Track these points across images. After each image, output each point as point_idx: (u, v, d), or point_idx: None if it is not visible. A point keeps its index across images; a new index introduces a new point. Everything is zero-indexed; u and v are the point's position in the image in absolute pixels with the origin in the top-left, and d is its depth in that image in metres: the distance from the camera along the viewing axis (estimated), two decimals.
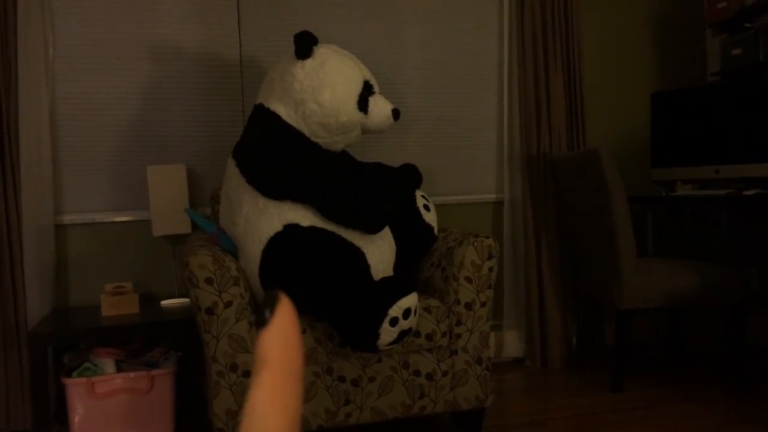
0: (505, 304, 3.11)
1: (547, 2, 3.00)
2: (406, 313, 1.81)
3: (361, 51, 2.94)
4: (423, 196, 2.36)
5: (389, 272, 2.13)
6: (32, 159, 2.45)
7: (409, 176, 2.32)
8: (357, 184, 2.00)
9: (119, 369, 2.29)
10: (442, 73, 3.06)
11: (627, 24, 3.33)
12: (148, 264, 2.69)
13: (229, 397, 1.89)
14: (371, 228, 1.98)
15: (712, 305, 2.92)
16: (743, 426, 2.23)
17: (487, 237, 2.13)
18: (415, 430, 2.32)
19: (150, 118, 2.69)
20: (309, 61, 2.04)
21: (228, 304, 1.87)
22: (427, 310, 2.05)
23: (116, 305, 2.35)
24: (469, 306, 2.10)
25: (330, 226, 1.98)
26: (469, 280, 2.09)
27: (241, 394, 1.91)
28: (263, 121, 2.08)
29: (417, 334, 2.02)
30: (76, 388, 2.19)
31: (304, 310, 1.96)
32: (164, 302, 2.54)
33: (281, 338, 0.31)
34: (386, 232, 2.15)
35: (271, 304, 0.31)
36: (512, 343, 3.12)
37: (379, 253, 2.06)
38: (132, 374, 2.23)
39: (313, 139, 2.08)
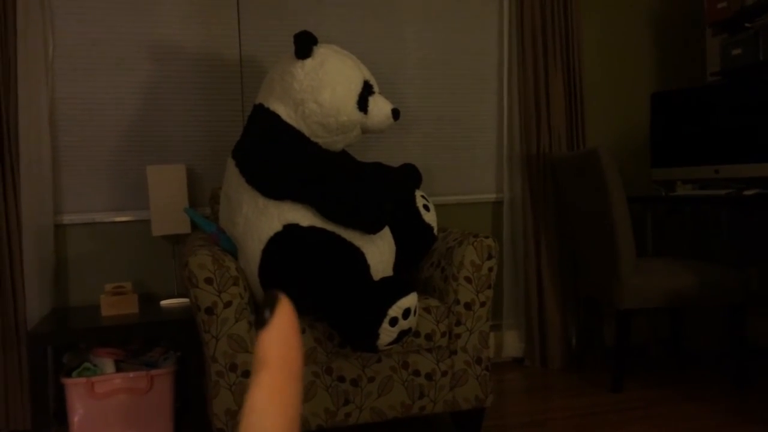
0: (505, 304, 3.11)
1: (546, 2, 3.00)
2: (406, 313, 1.81)
3: (361, 51, 2.94)
4: (423, 196, 2.36)
5: (389, 272, 2.13)
6: (32, 159, 2.45)
7: (409, 176, 2.32)
8: (357, 184, 2.00)
9: (119, 369, 2.29)
10: (441, 73, 3.06)
11: (627, 24, 3.33)
12: (148, 264, 2.69)
13: (228, 397, 1.89)
14: (371, 228, 1.98)
15: (712, 305, 2.92)
16: (743, 426, 2.23)
17: (487, 237, 2.13)
18: (415, 430, 2.32)
19: (150, 118, 2.69)
20: (309, 61, 2.04)
21: (227, 304, 1.87)
22: (427, 310, 2.05)
23: (116, 305, 2.35)
24: (468, 306, 2.10)
25: (330, 226, 1.98)
26: (468, 280, 2.09)
27: (240, 394, 1.90)
28: (263, 121, 2.08)
29: (416, 334, 2.02)
30: (75, 388, 2.19)
31: (303, 310, 1.96)
32: (164, 302, 2.54)
33: (281, 338, 0.31)
34: (386, 232, 2.15)
35: (271, 305, 0.31)
36: (512, 343, 3.12)
37: (379, 253, 2.06)
38: (131, 374, 2.23)
39: (312, 139, 2.08)
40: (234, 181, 2.03)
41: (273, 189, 1.95)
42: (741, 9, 2.95)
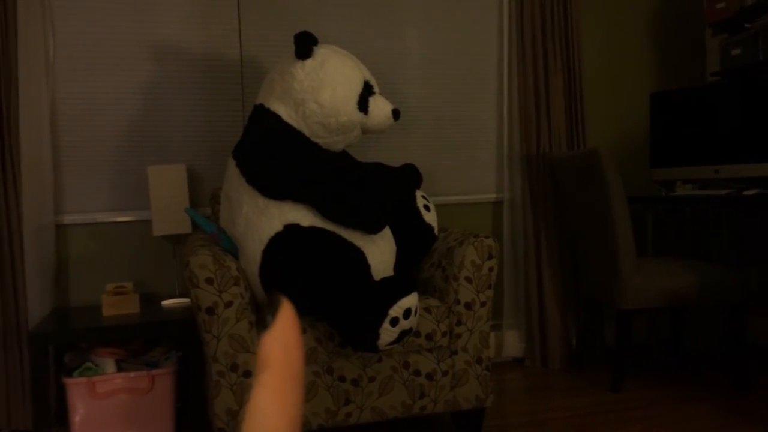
0: (505, 304, 3.11)
1: (546, 2, 3.01)
2: (407, 313, 1.82)
3: (361, 51, 2.94)
4: (423, 196, 2.36)
5: (389, 272, 2.13)
6: (33, 159, 2.46)
7: (410, 176, 2.32)
8: (357, 185, 2.00)
9: (120, 369, 2.30)
10: (442, 73, 3.06)
11: (627, 24, 3.33)
12: (149, 264, 2.69)
13: (229, 396, 1.89)
14: (371, 228, 1.98)
15: (712, 305, 2.92)
16: (743, 426, 2.24)
17: (487, 237, 2.14)
18: (416, 430, 2.32)
19: (150, 118, 2.69)
20: (309, 62, 2.04)
21: (228, 304, 1.87)
22: (428, 310, 2.05)
23: (117, 305, 2.35)
24: (469, 306, 2.10)
25: (330, 226, 1.98)
26: (469, 280, 2.10)
27: (241, 393, 1.91)
28: (263, 121, 2.08)
29: (417, 334, 2.02)
30: (76, 387, 2.20)
31: (304, 310, 1.96)
32: (165, 302, 2.54)
33: (282, 341, 0.31)
34: (386, 232, 2.15)
35: (273, 309, 0.32)
36: (512, 343, 3.12)
37: (380, 253, 2.06)
38: (133, 374, 2.24)
39: (313, 139, 2.08)
40: (234, 181, 2.04)
41: (273, 189, 1.95)
42: (740, 9, 2.96)
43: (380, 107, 2.13)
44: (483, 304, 2.12)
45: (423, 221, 2.29)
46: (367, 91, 2.11)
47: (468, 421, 2.20)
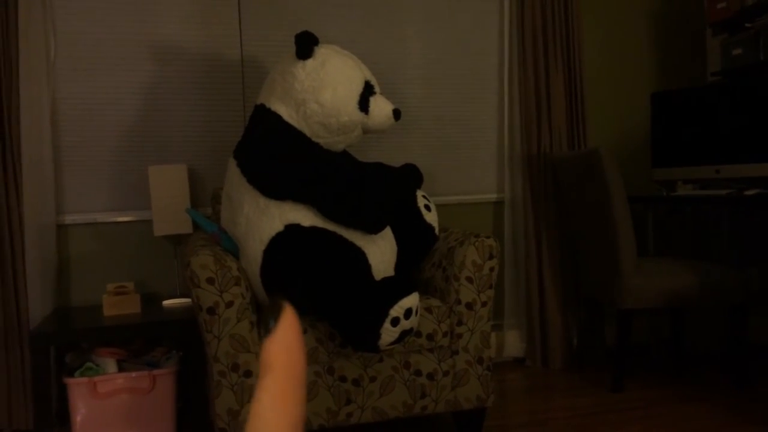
0: (506, 304, 3.11)
1: (547, 2, 3.01)
2: (408, 313, 1.82)
3: (362, 51, 2.94)
4: (424, 196, 2.36)
5: (390, 272, 2.13)
6: (34, 159, 2.46)
7: (410, 176, 2.32)
8: (358, 185, 2.00)
9: (121, 369, 2.30)
10: (442, 73, 3.06)
11: (627, 24, 3.33)
12: (150, 264, 2.69)
13: (230, 396, 1.90)
14: (372, 228, 1.99)
15: (713, 305, 2.92)
16: (743, 426, 2.24)
17: (488, 237, 2.14)
18: (416, 430, 2.32)
19: (151, 118, 2.69)
20: (310, 62, 2.04)
21: (229, 304, 1.87)
22: (428, 310, 2.05)
23: (118, 305, 2.35)
24: (470, 306, 2.10)
25: (331, 226, 1.98)
26: (470, 280, 2.10)
27: (242, 393, 1.91)
28: (264, 121, 2.08)
29: (418, 334, 2.02)
30: (78, 387, 2.20)
31: (305, 310, 1.96)
32: (166, 302, 2.54)
33: (285, 346, 0.32)
34: (387, 232, 2.15)
35: (275, 314, 0.32)
36: (513, 343, 3.13)
37: (380, 253, 2.06)
38: (134, 374, 2.24)
39: (314, 139, 2.09)
40: (235, 181, 2.04)
41: (274, 189, 1.95)
42: (741, 9, 2.96)
43: (381, 107, 2.13)
44: (484, 304, 2.12)
45: (424, 221, 2.29)
46: (368, 91, 2.11)
47: (469, 421, 2.21)
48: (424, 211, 2.30)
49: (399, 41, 2.99)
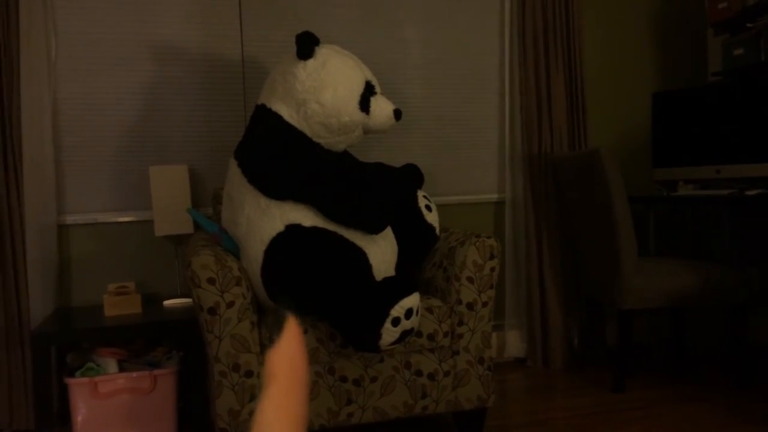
0: (507, 304, 3.11)
1: (547, 2, 3.01)
2: (408, 313, 1.82)
3: (362, 51, 2.94)
4: (425, 197, 2.36)
5: (391, 272, 2.13)
6: (35, 159, 2.46)
7: (411, 176, 2.32)
8: (358, 185, 2.00)
9: (122, 369, 2.30)
10: (442, 73, 3.06)
11: (628, 24, 3.33)
12: (151, 264, 2.69)
13: (231, 397, 1.90)
14: (373, 228, 1.99)
15: (714, 305, 2.92)
16: (743, 426, 2.24)
17: (489, 237, 2.14)
18: (417, 430, 2.32)
19: (152, 118, 2.69)
20: (311, 62, 2.04)
21: (230, 305, 1.87)
22: (429, 310, 2.05)
23: (119, 305, 2.36)
24: (470, 306, 2.10)
25: (332, 227, 1.98)
26: (470, 280, 2.10)
27: (243, 394, 1.91)
28: (265, 121, 2.08)
29: (419, 334, 2.02)
30: (78, 387, 2.20)
31: (305, 311, 1.96)
32: (167, 302, 2.54)
33: (288, 355, 0.32)
34: (388, 232, 2.15)
35: (279, 325, 0.33)
36: (514, 343, 3.13)
37: (381, 253, 2.06)
38: (134, 374, 2.24)
39: (314, 139, 2.09)
40: (236, 182, 2.04)
41: (275, 189, 1.95)
42: (742, 9, 2.96)
43: (382, 107, 2.13)
44: (485, 304, 2.12)
45: (424, 221, 2.29)
46: (368, 91, 2.11)
47: (470, 421, 2.21)
48: (424, 211, 2.30)
49: (399, 41, 2.99)
